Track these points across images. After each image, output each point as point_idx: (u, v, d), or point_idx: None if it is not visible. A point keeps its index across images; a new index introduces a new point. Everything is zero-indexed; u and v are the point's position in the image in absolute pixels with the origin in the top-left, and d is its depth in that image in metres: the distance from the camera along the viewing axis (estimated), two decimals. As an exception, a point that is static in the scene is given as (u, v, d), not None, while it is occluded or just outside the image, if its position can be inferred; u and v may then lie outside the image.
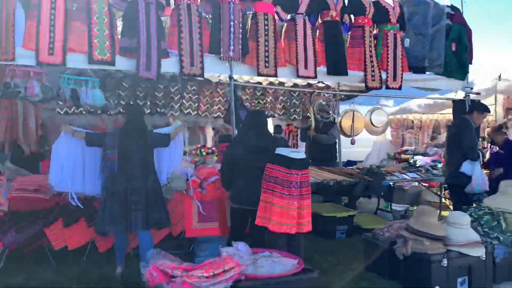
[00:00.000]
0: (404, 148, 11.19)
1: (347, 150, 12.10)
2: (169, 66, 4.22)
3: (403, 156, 10.38)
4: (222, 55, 4.36)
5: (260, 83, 6.30)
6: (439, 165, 7.61)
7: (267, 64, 4.54)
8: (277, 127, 8.31)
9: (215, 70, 4.61)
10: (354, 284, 3.85)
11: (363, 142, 11.90)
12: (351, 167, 5.89)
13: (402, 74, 5.16)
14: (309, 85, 7.59)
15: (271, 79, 7.43)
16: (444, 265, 3.57)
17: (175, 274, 2.82)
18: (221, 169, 4.01)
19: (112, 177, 3.70)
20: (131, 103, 5.25)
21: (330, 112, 5.67)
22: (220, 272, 2.85)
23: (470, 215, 4.11)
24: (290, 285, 2.91)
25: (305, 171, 3.53)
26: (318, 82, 7.56)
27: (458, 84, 5.45)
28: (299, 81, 7.36)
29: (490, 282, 3.84)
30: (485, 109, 5.37)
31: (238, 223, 3.90)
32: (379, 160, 10.68)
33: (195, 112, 7.03)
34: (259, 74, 4.56)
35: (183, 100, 6.96)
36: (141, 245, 3.81)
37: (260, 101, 7.62)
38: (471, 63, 5.49)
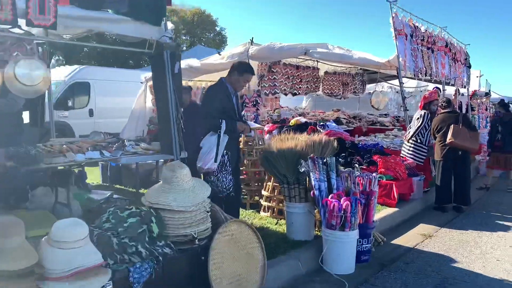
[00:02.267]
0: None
1: (103, 121, 10.27)
2: None
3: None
4: None
5: None
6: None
7: None
8: None
9: None
10: None
11: (121, 112, 10.21)
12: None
13: (55, 6, 3.45)
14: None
15: None
16: (17, 321, 2.06)
17: None
18: None
19: None
20: None
21: None
22: None
23: (108, 219, 2.72)
24: None
25: None
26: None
27: (153, 30, 4.03)
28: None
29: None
30: (245, 70, 4.35)
31: None
32: (138, 132, 9.18)
33: None
34: None
35: None
36: None
37: None
38: (169, 4, 4.13)
